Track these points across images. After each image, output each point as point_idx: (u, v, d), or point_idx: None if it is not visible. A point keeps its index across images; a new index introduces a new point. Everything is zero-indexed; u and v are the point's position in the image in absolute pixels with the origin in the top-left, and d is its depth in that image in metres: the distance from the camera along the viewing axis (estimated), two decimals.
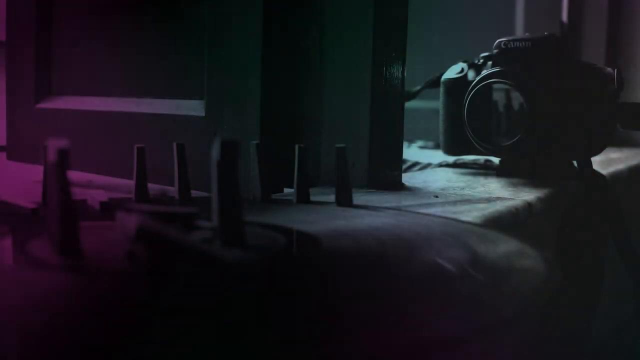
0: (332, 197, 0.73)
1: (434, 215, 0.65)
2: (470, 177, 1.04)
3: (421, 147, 1.62)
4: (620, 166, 1.27)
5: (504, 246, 0.50)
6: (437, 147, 1.30)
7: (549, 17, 1.80)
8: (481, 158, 1.13)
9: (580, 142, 1.00)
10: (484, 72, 1.00)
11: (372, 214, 0.65)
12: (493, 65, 1.01)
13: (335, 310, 0.36)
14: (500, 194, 0.87)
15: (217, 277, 0.42)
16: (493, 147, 1.00)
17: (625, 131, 1.01)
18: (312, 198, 0.75)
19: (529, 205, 0.82)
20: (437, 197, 0.84)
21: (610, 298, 1.15)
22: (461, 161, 1.15)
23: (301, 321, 0.34)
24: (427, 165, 1.21)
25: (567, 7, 1.79)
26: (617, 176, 1.20)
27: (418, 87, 1.27)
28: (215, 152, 0.46)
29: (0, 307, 0.36)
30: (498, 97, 1.08)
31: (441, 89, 1.10)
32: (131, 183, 0.73)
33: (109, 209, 0.65)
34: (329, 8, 0.89)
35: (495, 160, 1.10)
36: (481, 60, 1.06)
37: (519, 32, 1.82)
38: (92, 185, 0.91)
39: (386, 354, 0.29)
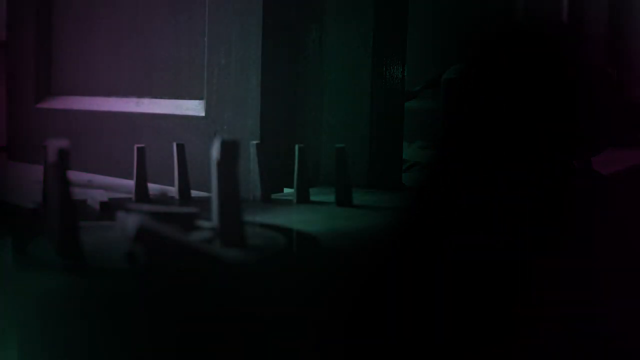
0: (332, 197, 0.73)
1: None
2: None
3: (421, 147, 1.61)
4: (620, 166, 1.27)
5: None
6: None
7: (549, 17, 1.80)
8: None
9: (580, 142, 1.00)
10: None
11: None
12: None
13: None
14: None
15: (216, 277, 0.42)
16: None
17: (625, 131, 1.01)
18: (312, 198, 0.75)
19: None
20: None
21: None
22: None
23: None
24: None
25: (567, 7, 1.79)
26: (617, 176, 1.20)
27: (418, 87, 1.27)
28: (215, 152, 0.46)
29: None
30: None
31: (441, 89, 1.10)
32: (131, 183, 0.73)
33: (109, 209, 0.65)
34: (329, 8, 0.89)
35: None
36: None
37: None
38: (92, 185, 0.91)
39: None
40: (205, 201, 0.53)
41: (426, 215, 0.66)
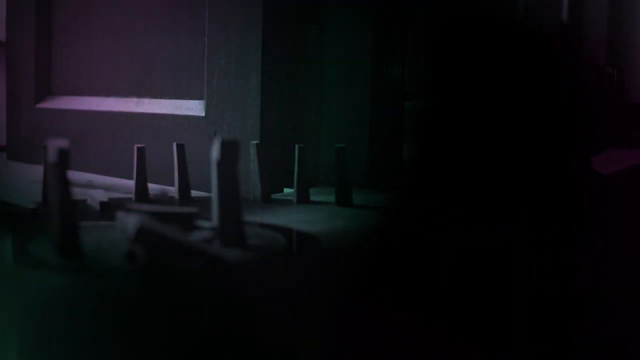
0: (332, 197, 0.73)
1: None
2: None
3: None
4: (620, 166, 1.27)
5: None
6: None
7: (549, 17, 1.80)
8: None
9: (581, 142, 1.00)
10: None
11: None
12: None
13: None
14: None
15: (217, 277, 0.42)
16: None
17: (625, 131, 1.01)
18: (312, 198, 0.75)
19: None
20: None
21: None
22: None
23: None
24: None
25: (567, 7, 1.79)
26: (617, 176, 1.20)
27: (417, 88, 1.27)
28: (215, 152, 0.46)
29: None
30: None
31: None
32: (131, 183, 0.73)
33: (109, 209, 0.65)
34: (329, 8, 0.89)
35: None
36: None
37: None
38: (92, 185, 0.91)
39: None
40: (205, 201, 0.53)
41: (422, 215, 0.66)
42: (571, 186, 1.00)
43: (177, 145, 0.75)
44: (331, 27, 0.90)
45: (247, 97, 0.85)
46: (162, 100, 0.96)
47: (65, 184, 0.43)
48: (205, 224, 0.48)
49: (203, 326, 0.33)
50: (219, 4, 0.88)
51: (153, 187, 0.74)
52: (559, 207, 0.93)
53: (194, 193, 0.76)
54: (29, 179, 0.93)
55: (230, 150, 0.45)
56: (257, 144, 0.73)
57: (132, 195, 0.72)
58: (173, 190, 0.75)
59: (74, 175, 0.44)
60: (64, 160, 0.43)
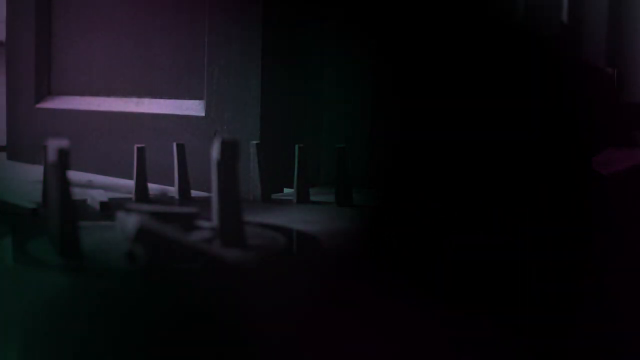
0: (332, 197, 0.73)
1: None
2: None
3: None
4: (620, 166, 1.27)
5: None
6: None
7: (549, 17, 1.80)
8: None
9: (581, 142, 1.00)
10: None
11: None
12: None
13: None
14: None
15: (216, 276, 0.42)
16: None
17: (625, 131, 1.01)
18: (312, 198, 0.75)
19: None
20: None
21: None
22: None
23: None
24: None
25: (567, 7, 1.79)
26: (617, 176, 1.20)
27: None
28: (215, 152, 0.46)
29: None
30: None
31: None
32: (131, 183, 0.73)
33: (109, 209, 0.65)
34: (329, 9, 0.89)
35: None
36: None
37: None
38: (92, 185, 0.91)
39: None
40: (205, 201, 0.53)
41: (422, 215, 0.66)
42: (571, 186, 1.00)
43: (177, 145, 0.75)
44: (331, 27, 0.90)
45: (247, 97, 0.85)
46: (162, 100, 0.96)
47: (65, 184, 0.43)
48: (205, 224, 0.48)
49: (203, 326, 0.33)
50: (219, 4, 0.88)
51: (153, 187, 0.74)
52: (559, 207, 0.93)
53: (194, 193, 0.76)
54: (29, 179, 0.93)
55: (230, 150, 0.45)
56: (257, 144, 0.73)
57: (132, 195, 0.72)
58: (173, 190, 0.75)
59: (74, 175, 0.44)
60: (64, 160, 0.43)
